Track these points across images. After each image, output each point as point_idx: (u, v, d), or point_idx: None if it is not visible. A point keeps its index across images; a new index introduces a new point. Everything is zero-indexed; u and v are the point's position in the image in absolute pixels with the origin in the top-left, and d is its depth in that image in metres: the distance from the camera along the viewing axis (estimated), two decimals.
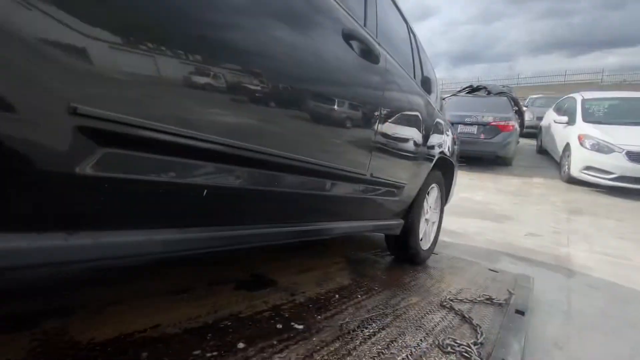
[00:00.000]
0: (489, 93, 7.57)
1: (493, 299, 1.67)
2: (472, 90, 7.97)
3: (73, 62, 0.47)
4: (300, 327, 1.06)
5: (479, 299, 1.66)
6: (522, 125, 7.78)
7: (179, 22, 0.60)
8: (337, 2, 1.03)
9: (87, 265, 0.59)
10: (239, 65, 0.71)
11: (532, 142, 9.19)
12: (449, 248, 2.74)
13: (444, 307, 1.50)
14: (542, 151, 8.03)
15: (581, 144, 5.37)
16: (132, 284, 1.14)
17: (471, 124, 6.57)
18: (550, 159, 7.35)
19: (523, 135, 8.50)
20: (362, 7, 1.24)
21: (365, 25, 1.23)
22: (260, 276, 1.43)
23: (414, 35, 1.97)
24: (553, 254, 2.87)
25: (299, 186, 1.01)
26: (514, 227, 3.57)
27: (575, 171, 5.39)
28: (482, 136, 6.47)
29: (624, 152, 4.90)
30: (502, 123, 6.43)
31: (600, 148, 5.14)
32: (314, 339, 1.02)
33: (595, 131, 5.36)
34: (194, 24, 0.62)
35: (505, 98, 7.08)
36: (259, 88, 0.75)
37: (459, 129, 6.50)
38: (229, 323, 1.01)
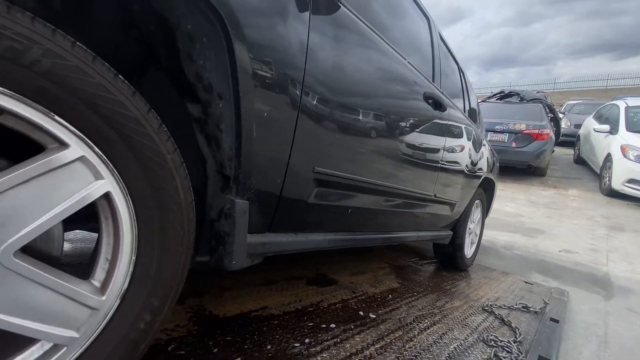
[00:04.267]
0: (521, 99, 7.74)
1: (529, 307, 1.94)
2: (504, 96, 8.15)
3: (317, 154, 1.01)
4: (373, 316, 1.39)
5: (515, 306, 1.93)
6: (557, 133, 7.92)
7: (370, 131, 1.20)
8: (419, 72, 1.54)
9: (297, 251, 1.08)
10: (387, 140, 1.33)
11: (569, 152, 9.28)
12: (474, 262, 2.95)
13: (485, 311, 1.79)
14: (580, 161, 8.14)
15: (624, 155, 5.44)
16: (232, 276, 1.49)
17: (502, 132, 6.76)
18: (588, 170, 7.46)
19: (559, 143, 8.61)
20: (431, 65, 1.76)
21: (433, 80, 1.76)
22: (323, 275, 1.76)
23: (463, 74, 2.47)
24: (590, 272, 2.95)
25: (395, 206, 1.57)
26: (547, 242, 3.74)
27: (617, 184, 5.47)
28: (514, 145, 6.64)
29: None
30: (536, 131, 6.58)
31: None
32: (381, 327, 1.34)
33: None
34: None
35: (540, 105, 7.24)
36: (393, 149, 1.38)
37: (488, 136, 6.70)
38: (313, 310, 1.34)
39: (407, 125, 1.44)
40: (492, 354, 1.32)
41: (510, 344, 1.45)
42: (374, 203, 1.38)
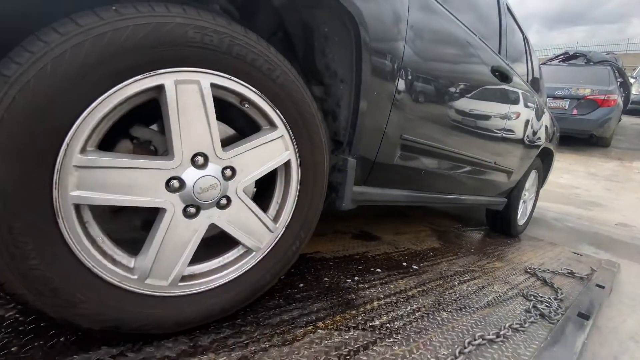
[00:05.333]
0: (588, 62, 7.13)
1: (575, 272, 1.98)
2: (568, 58, 7.54)
3: (405, 123, 1.23)
4: (415, 267, 1.54)
5: (560, 271, 1.99)
6: (626, 100, 7.27)
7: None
8: (487, 46, 1.67)
9: (384, 204, 1.38)
10: (459, 117, 1.54)
11: (638, 121, 8.49)
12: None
13: (527, 272, 1.87)
14: None
15: None
16: None
17: (562, 98, 6.35)
18: None
19: (627, 112, 7.91)
20: (498, 38, 1.88)
21: (499, 52, 1.86)
22: (367, 232, 1.93)
23: (528, 43, 2.51)
24: None
25: (459, 171, 1.77)
26: (603, 216, 3.62)
27: None
28: (575, 112, 6.23)
29: None
30: (602, 97, 6.11)
31: None
32: (423, 276, 1.49)
33: None
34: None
35: (609, 67, 6.64)
36: (463, 119, 1.57)
37: (546, 103, 6.31)
38: (360, 258, 1.51)
39: (475, 97, 1.62)
40: (531, 305, 1.42)
41: (551, 300, 1.53)
42: (443, 167, 1.63)
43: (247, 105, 0.80)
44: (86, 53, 0.56)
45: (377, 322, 1.04)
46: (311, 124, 0.90)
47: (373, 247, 1.71)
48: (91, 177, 0.61)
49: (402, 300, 1.21)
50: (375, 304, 1.14)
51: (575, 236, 3.06)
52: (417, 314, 1.14)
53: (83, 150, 0.59)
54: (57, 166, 0.56)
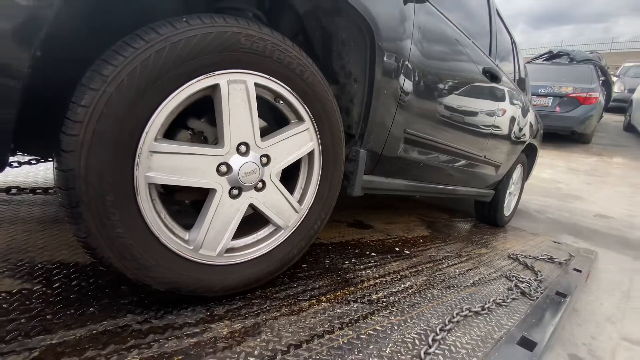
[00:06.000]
0: (571, 60, 7.40)
1: (554, 258, 2.15)
2: (552, 57, 7.81)
3: (408, 119, 1.38)
4: (407, 252, 1.67)
5: (540, 257, 2.16)
6: (608, 98, 7.58)
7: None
8: (480, 49, 1.85)
9: (383, 193, 1.50)
10: (457, 115, 1.73)
11: (619, 118, 8.90)
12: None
13: (510, 258, 2.03)
14: (630, 128, 7.87)
15: None
16: None
17: (545, 95, 6.59)
18: (638, 138, 7.18)
19: (609, 109, 8.25)
20: (488, 39, 2.05)
21: (490, 54, 2.03)
22: (360, 221, 2.06)
23: (515, 45, 2.72)
24: (623, 236, 3.11)
25: (453, 163, 1.93)
26: (582, 207, 3.84)
27: None
28: (558, 109, 6.48)
29: None
30: (584, 95, 6.37)
31: None
32: (414, 259, 1.62)
33: None
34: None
35: (592, 66, 6.92)
36: (457, 115, 1.74)
37: (531, 101, 6.54)
38: (355, 243, 1.63)
39: (468, 96, 1.80)
40: (513, 284, 1.56)
41: (531, 280, 1.69)
42: (439, 160, 1.79)
43: (280, 102, 0.94)
44: (166, 57, 0.68)
45: (374, 297, 1.16)
46: (332, 118, 1.05)
47: (367, 234, 1.84)
48: (161, 160, 0.75)
49: (395, 279, 1.33)
50: (372, 282, 1.26)
51: (556, 227, 3.25)
52: (409, 291, 1.26)
53: (156, 137, 0.72)
54: (138, 151, 0.70)
